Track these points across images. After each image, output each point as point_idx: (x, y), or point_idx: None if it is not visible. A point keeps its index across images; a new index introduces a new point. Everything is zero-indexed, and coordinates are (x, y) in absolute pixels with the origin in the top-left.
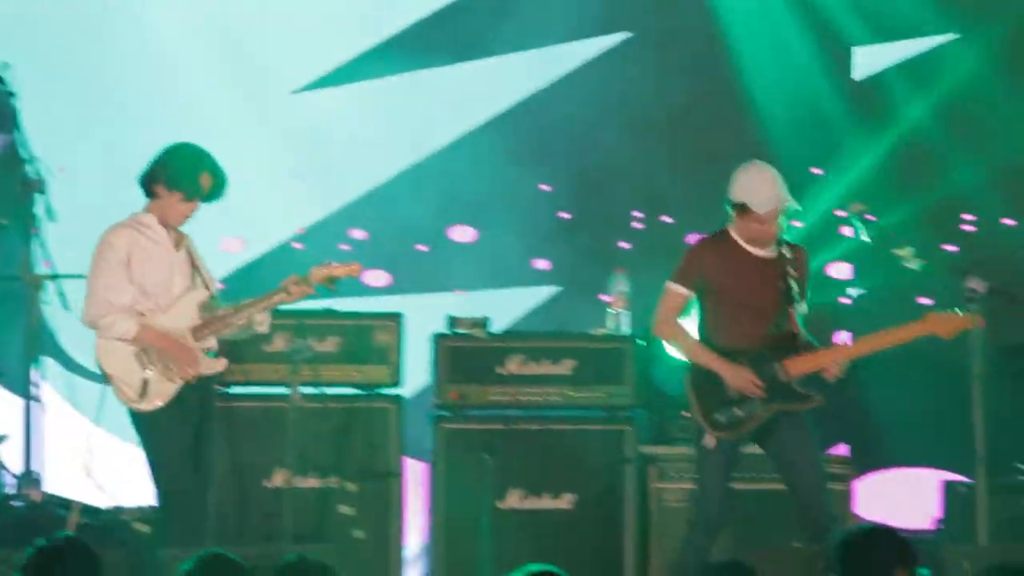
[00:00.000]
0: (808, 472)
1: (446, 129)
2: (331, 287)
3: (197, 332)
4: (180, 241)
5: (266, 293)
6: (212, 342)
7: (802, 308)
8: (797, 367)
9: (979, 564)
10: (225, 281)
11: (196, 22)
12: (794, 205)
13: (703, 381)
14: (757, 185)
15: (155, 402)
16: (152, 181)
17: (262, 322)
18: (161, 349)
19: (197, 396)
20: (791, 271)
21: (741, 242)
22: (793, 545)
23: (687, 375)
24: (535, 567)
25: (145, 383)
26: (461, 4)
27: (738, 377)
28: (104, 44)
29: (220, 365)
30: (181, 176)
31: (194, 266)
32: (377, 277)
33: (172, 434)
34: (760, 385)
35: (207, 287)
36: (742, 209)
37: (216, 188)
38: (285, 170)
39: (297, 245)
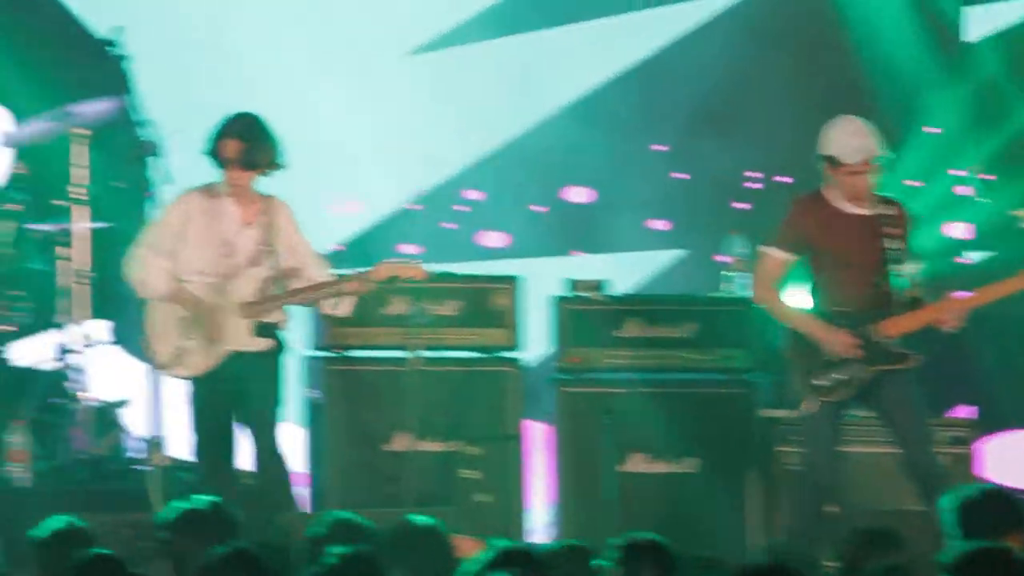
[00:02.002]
0: (913, 429)
1: (560, 90)
2: (393, 285)
3: (247, 308)
4: (256, 215)
5: (321, 282)
6: (273, 317)
7: (909, 267)
8: (895, 327)
9: None
10: (348, 244)
11: None
12: (886, 155)
13: (802, 346)
14: (845, 136)
15: (182, 371)
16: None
17: (335, 306)
18: (190, 313)
19: (246, 371)
20: (889, 229)
21: (837, 201)
22: (910, 508)
23: (787, 340)
24: (638, 534)
25: (179, 350)
26: None
27: (836, 341)
28: (215, 6)
29: (260, 344)
30: (211, 146)
31: (269, 243)
32: (494, 238)
33: (201, 407)
34: (859, 347)
35: (277, 264)
36: (832, 163)
37: (249, 153)
38: (402, 133)
39: (415, 206)
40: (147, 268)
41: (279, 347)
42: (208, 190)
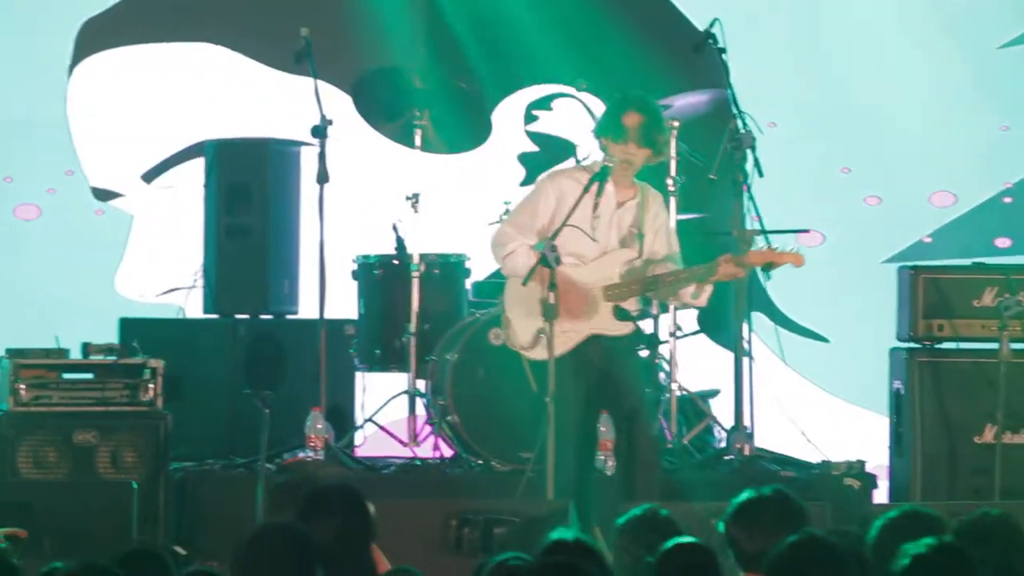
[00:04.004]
0: None
1: None
2: (767, 271)
3: (609, 291)
4: (628, 197)
5: (691, 267)
6: (630, 304)
7: None
8: None
9: None
10: (934, 236)
11: None
12: None
13: None
14: None
15: (542, 354)
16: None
17: (696, 296)
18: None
19: (601, 355)
20: None
21: None
22: None
23: None
24: None
25: (539, 332)
26: None
27: None
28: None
29: (623, 328)
30: (605, 121)
31: (639, 226)
32: None
33: (559, 389)
34: None
35: (640, 249)
36: None
37: (648, 126)
38: (991, 123)
39: (1006, 199)
40: (514, 247)
41: (638, 334)
42: (586, 169)
